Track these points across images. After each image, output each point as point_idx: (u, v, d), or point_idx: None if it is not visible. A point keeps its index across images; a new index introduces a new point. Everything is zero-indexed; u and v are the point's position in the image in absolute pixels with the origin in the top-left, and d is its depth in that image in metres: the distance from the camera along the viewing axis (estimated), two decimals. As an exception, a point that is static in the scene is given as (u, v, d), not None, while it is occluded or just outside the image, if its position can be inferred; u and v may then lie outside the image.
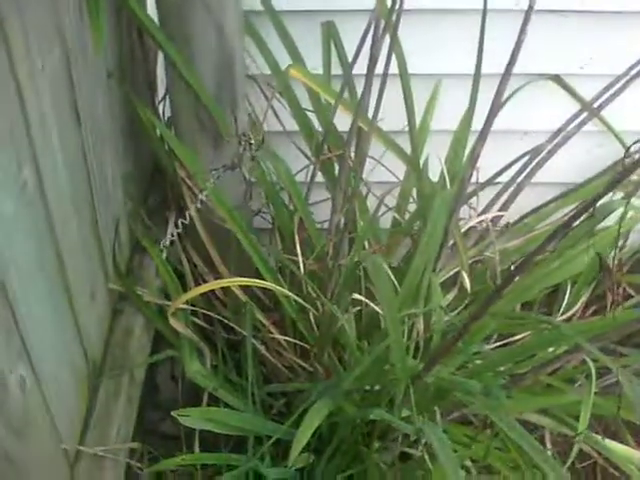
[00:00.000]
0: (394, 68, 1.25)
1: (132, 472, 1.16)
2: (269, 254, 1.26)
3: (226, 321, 1.31)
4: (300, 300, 1.14)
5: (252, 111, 1.39)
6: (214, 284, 1.12)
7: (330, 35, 1.34)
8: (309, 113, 1.35)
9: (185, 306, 1.26)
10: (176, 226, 1.32)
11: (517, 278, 0.98)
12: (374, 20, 1.00)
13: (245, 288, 1.27)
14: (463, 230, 1.41)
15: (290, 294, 1.13)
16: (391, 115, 1.29)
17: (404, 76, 1.20)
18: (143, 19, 1.06)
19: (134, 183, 1.33)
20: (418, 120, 1.39)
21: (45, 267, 0.91)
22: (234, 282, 1.14)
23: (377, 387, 1.08)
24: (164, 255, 1.33)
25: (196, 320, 1.34)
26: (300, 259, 1.23)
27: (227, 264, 1.31)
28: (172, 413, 1.02)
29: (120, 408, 1.14)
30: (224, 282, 1.12)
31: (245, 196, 1.30)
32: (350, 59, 1.24)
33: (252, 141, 1.15)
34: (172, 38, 1.08)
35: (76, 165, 1.02)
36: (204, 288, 1.12)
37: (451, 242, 1.39)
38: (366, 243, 1.35)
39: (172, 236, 1.24)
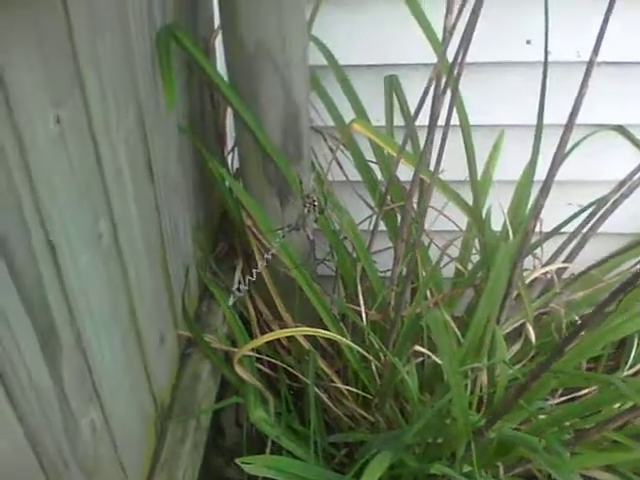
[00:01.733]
0: (456, 119, 1.28)
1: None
2: (332, 302, 1.28)
3: (290, 369, 1.33)
4: (362, 350, 1.15)
5: (317, 163, 1.43)
6: (279, 333, 1.14)
7: (392, 88, 1.37)
8: (372, 164, 1.37)
9: (250, 353, 1.28)
10: (243, 278, 1.37)
11: (582, 333, 0.97)
12: (435, 76, 1.02)
13: (309, 336, 1.29)
14: (528, 281, 1.40)
15: (352, 344, 1.14)
16: (453, 165, 1.29)
17: (465, 128, 1.21)
18: (212, 76, 1.10)
19: (203, 231, 1.37)
20: (480, 170, 1.40)
21: (118, 315, 0.95)
22: (298, 332, 1.16)
23: (439, 440, 1.08)
24: (231, 302, 1.37)
25: (261, 367, 1.37)
26: (362, 309, 1.24)
27: (291, 312, 1.33)
28: (236, 460, 1.04)
29: (186, 453, 1.16)
30: (288, 332, 1.14)
31: (310, 255, 1.33)
32: (412, 110, 1.28)
33: (316, 204, 1.17)
34: (240, 94, 1.13)
35: (149, 217, 1.06)
36: (269, 337, 1.14)
37: (515, 293, 1.39)
38: (428, 293, 1.35)
39: (240, 291, 1.27)
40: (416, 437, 1.04)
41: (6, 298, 0.65)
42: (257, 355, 1.32)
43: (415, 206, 1.37)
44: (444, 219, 1.45)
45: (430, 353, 1.12)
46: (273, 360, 1.32)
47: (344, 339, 1.13)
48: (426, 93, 1.07)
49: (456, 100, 1.18)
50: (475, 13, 1.00)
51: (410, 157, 1.23)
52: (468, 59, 1.13)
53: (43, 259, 0.72)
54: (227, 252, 1.45)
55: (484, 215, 1.37)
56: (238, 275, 1.40)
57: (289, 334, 1.16)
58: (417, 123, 1.20)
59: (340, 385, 1.27)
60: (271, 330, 1.37)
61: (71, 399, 0.80)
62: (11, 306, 0.66)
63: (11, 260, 0.65)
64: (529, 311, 1.37)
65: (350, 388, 1.26)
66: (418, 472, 1.07)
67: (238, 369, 1.19)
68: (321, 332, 1.11)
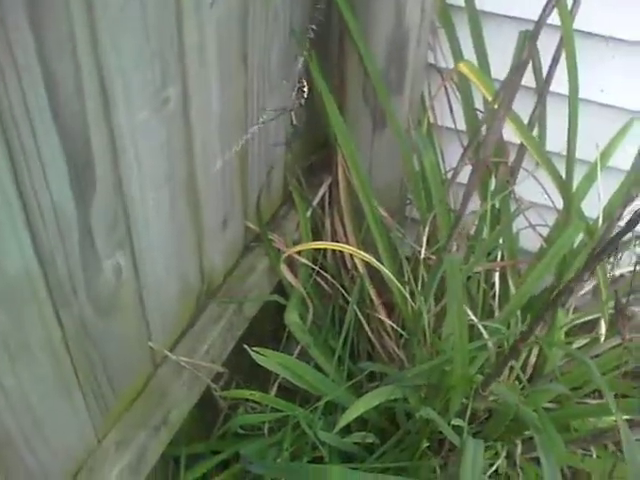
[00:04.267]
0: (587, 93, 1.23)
1: (212, 395, 1.26)
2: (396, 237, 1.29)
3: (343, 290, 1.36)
4: (399, 285, 1.15)
5: (429, 100, 1.41)
6: (322, 244, 1.18)
7: (524, 44, 1.32)
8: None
9: (308, 263, 1.32)
10: (330, 195, 1.40)
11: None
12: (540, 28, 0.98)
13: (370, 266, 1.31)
14: (612, 274, 1.34)
15: (392, 278, 1.14)
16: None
17: (573, 100, 1.15)
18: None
19: (299, 139, 1.41)
20: (594, 153, 1.33)
21: (173, 180, 1.01)
22: (341, 248, 1.18)
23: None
24: (308, 213, 1.41)
25: (321, 282, 1.40)
26: (423, 250, 1.24)
27: (358, 237, 1.35)
28: (245, 346, 1.09)
29: (217, 331, 1.23)
30: (333, 245, 1.17)
31: (399, 196, 1.32)
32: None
33: (305, 88, 1.16)
34: (354, 8, 1.14)
35: (233, 102, 1.10)
36: (314, 245, 1.18)
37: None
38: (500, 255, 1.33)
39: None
40: (418, 378, 1.04)
41: (39, 119, 0.71)
42: (316, 267, 1.35)
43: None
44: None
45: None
46: (326, 276, 1.35)
47: (383, 268, 1.14)
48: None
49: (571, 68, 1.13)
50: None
51: (512, 115, 1.19)
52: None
53: (91, 99, 0.78)
54: (320, 165, 1.48)
55: (579, 196, 1.30)
56: (323, 190, 1.43)
57: (336, 248, 1.19)
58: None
59: (382, 316, 1.28)
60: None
61: (96, 236, 0.87)
62: (43, 127, 0.72)
63: (54, 88, 0.71)
64: (604, 306, 1.32)
65: (387, 320, 1.27)
66: (412, 410, 1.08)
67: (284, 269, 1.23)
68: (363, 255, 1.13)
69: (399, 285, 1.14)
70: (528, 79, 1.24)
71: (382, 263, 1.25)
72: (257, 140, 1.23)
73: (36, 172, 0.74)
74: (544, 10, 0.94)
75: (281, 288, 1.39)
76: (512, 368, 1.22)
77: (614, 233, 1.06)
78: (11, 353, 0.81)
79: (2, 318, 0.77)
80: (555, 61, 1.15)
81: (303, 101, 1.17)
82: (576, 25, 1.22)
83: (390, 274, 1.14)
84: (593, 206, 1.31)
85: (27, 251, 0.77)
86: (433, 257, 1.25)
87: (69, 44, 0.71)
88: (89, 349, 0.95)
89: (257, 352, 1.10)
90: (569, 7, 1.12)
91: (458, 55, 1.33)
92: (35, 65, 0.68)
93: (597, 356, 1.32)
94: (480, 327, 1.06)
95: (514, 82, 1.03)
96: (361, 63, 1.18)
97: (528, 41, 1.30)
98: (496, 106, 1.01)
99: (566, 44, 1.10)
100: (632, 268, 1.37)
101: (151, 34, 0.84)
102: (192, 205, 1.09)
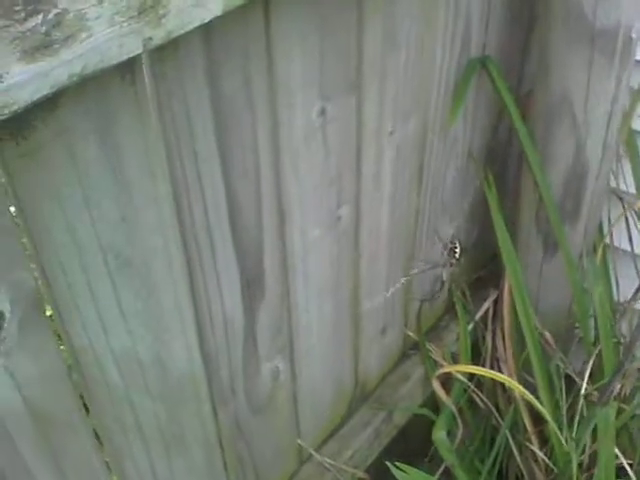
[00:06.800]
0: None
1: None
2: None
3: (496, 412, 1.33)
4: (553, 424, 1.11)
5: (607, 225, 1.37)
6: (476, 369, 1.16)
7: None
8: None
9: (463, 379, 1.31)
10: (494, 311, 1.39)
11: None
12: None
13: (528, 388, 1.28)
14: None
15: (545, 413, 1.11)
16: None
17: None
18: (510, 109, 1.13)
19: (468, 252, 1.42)
20: None
21: (337, 291, 1.06)
22: (494, 376, 1.16)
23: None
24: (470, 326, 1.40)
25: (478, 401, 1.38)
26: (584, 385, 1.19)
27: (518, 359, 1.33)
28: (387, 462, 1.09)
29: (364, 436, 1.25)
30: (486, 372, 1.15)
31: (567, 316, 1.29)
32: None
33: (457, 249, 1.15)
34: (533, 136, 1.15)
35: (403, 220, 1.15)
36: (466, 368, 1.17)
37: None
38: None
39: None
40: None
41: (219, 233, 0.78)
42: (471, 386, 1.33)
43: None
44: None
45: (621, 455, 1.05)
46: (480, 395, 1.33)
47: (536, 402, 1.10)
48: None
49: None
50: None
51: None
52: None
53: (268, 217, 0.84)
54: (487, 278, 1.47)
55: None
56: (487, 305, 1.43)
57: (485, 374, 1.17)
58: None
59: (533, 447, 1.24)
60: (499, 370, 1.38)
61: (260, 341, 0.93)
62: (221, 240, 0.79)
63: (234, 206, 0.78)
64: None
65: (538, 452, 1.22)
66: None
67: (435, 384, 1.23)
68: (518, 388, 1.10)
69: (551, 421, 1.11)
70: None
71: (539, 390, 1.22)
72: (423, 256, 1.25)
73: (211, 281, 0.81)
74: None
75: (434, 399, 1.39)
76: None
77: None
78: (166, 444, 0.87)
79: (161, 413, 0.83)
80: None
81: (455, 261, 1.18)
82: None
83: (543, 408, 1.11)
84: None
85: (194, 354, 0.84)
86: (595, 393, 1.20)
87: (252, 167, 0.79)
88: (240, 445, 1.01)
89: (397, 467, 1.10)
90: None
91: (639, 182, 1.30)
92: (220, 185, 0.75)
93: None
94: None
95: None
96: (536, 190, 1.18)
97: None
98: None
99: None
100: None
101: (331, 161, 0.90)
102: (354, 314, 1.13)
